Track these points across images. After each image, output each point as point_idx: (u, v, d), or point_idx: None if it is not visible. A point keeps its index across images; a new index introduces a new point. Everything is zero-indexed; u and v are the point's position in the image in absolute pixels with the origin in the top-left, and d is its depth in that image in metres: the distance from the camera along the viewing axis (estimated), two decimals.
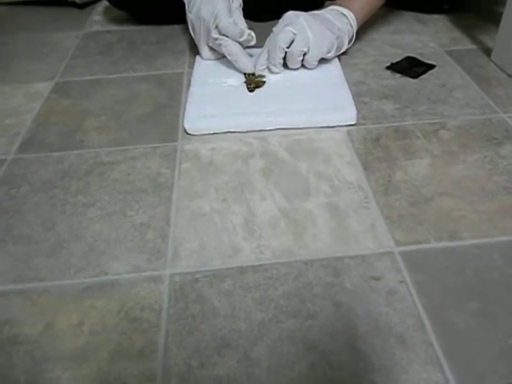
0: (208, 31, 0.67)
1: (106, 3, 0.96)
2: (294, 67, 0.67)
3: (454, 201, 0.49)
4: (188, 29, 0.74)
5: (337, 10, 0.69)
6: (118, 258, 0.45)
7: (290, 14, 0.66)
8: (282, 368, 0.36)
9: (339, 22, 0.68)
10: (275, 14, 0.71)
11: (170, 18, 0.89)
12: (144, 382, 0.35)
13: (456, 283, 0.41)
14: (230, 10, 0.66)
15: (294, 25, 0.64)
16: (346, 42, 0.70)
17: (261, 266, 0.44)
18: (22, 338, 0.39)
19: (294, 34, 0.64)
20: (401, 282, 0.41)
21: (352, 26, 0.69)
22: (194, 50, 0.78)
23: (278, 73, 0.67)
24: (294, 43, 0.64)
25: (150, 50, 0.83)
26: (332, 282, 0.42)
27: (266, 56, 0.67)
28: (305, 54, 0.66)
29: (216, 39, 0.66)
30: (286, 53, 0.65)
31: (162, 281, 0.43)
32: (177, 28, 0.89)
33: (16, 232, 0.49)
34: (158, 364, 0.36)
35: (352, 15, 0.69)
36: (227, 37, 0.65)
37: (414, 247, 0.44)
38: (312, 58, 0.66)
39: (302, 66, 0.68)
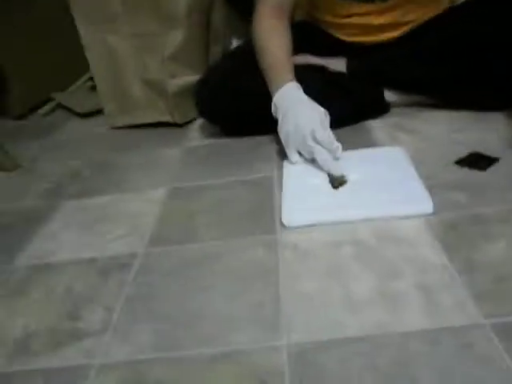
0: (303, 140, 0.81)
1: (200, 122, 1.15)
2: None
3: None
4: (273, 139, 0.89)
5: None
6: (241, 331, 0.54)
7: None
8: None
9: None
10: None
11: (256, 130, 1.06)
12: None
13: None
14: (323, 125, 0.81)
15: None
16: None
17: (365, 337, 0.51)
18: None
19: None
20: (493, 348, 0.47)
21: None
22: (281, 156, 0.92)
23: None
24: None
25: (243, 158, 0.98)
26: (430, 350, 0.48)
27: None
28: None
29: (312, 147, 0.80)
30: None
31: (281, 350, 0.51)
32: (262, 139, 1.05)
33: (156, 312, 0.59)
34: None
35: None
36: (320, 145, 0.79)
37: (501, 319, 0.50)
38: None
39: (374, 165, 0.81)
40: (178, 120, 1.20)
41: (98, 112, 1.37)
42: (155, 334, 0.56)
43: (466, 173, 0.78)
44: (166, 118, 1.21)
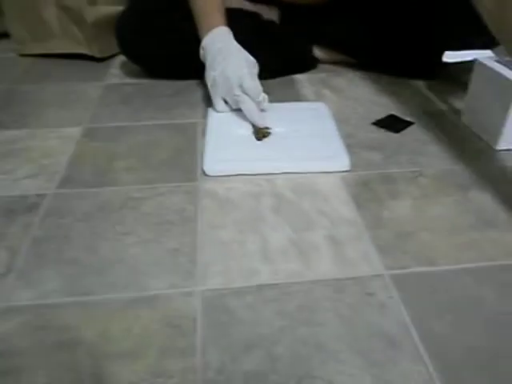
0: (229, 88, 0.79)
1: (123, 58, 1.08)
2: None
3: (431, 235, 0.60)
4: (200, 84, 0.86)
5: None
6: (156, 277, 0.54)
7: None
8: (298, 362, 0.44)
9: None
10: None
11: (182, 74, 1.02)
12: (187, 374, 0.44)
13: (433, 299, 0.51)
14: (252, 74, 0.79)
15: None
16: None
17: (276, 284, 0.53)
18: (81, 340, 0.47)
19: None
20: (390, 297, 0.51)
21: None
22: (206, 103, 0.90)
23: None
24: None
25: (167, 102, 0.95)
26: (335, 297, 0.51)
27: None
28: None
29: (237, 95, 0.78)
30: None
31: (195, 296, 0.52)
32: (188, 83, 1.01)
33: (66, 255, 0.57)
34: (197, 360, 0.45)
35: None
36: (247, 95, 0.78)
37: (400, 271, 0.54)
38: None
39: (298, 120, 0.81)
40: (97, 53, 1.11)
41: (4, 35, 1.23)
42: (63, 279, 0.54)
43: (383, 134, 0.82)
44: (84, 50, 1.11)
